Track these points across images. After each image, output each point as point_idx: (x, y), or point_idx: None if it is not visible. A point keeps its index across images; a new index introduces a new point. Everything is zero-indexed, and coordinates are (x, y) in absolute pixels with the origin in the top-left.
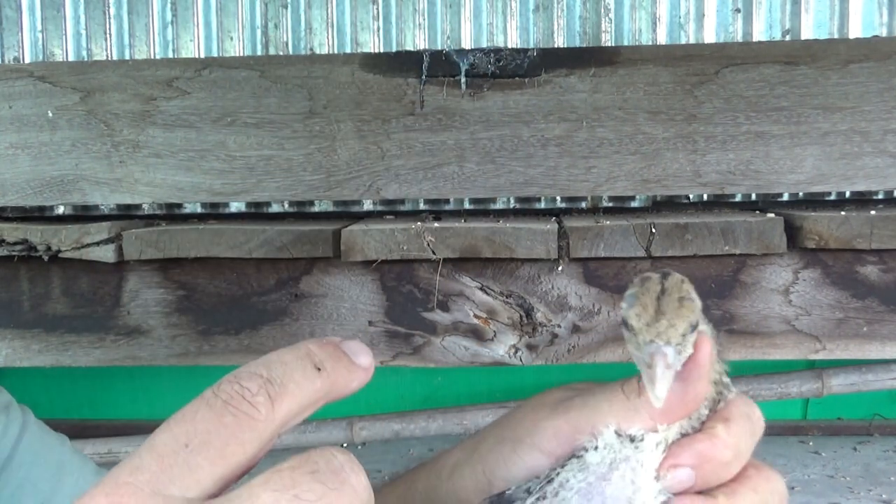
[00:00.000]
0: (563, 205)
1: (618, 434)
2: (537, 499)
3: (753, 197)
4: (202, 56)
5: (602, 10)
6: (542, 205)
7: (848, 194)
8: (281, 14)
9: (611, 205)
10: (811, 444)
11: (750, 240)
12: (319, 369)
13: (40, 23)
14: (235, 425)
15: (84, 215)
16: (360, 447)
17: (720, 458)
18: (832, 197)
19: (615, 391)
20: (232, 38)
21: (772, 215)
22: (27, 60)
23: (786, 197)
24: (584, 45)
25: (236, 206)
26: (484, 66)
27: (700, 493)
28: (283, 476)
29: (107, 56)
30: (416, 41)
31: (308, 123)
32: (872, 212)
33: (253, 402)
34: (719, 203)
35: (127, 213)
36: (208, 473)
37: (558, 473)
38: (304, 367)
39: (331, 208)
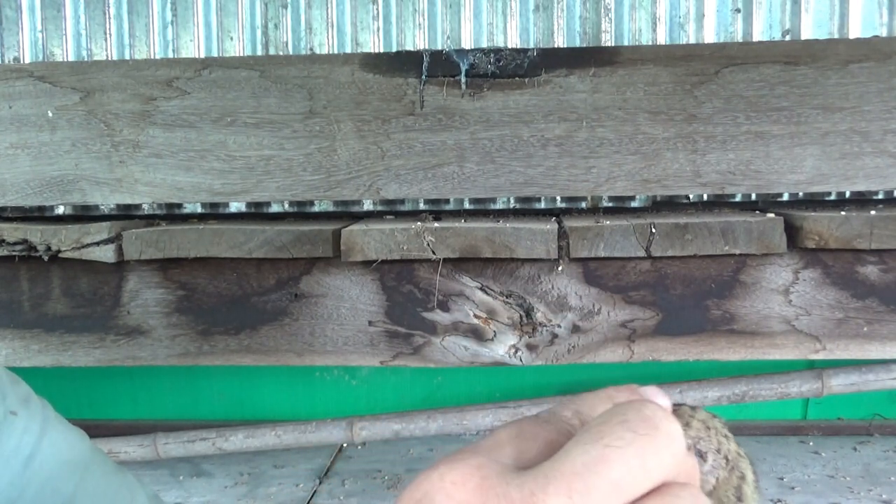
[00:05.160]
0: (563, 205)
1: None
2: None
3: (753, 197)
4: (202, 56)
5: (602, 10)
6: (542, 205)
7: (848, 194)
8: (281, 14)
9: (611, 205)
10: (811, 444)
11: (750, 240)
12: None
13: (40, 23)
14: (554, 431)
15: (84, 215)
16: (360, 447)
17: None
18: (832, 197)
19: None
20: (232, 38)
21: (772, 215)
22: (27, 60)
23: (786, 197)
24: (584, 45)
25: (236, 206)
26: (484, 66)
27: None
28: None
29: (107, 56)
30: (416, 41)
31: (308, 123)
32: (872, 212)
33: (569, 422)
34: (719, 203)
35: (127, 213)
36: (532, 456)
37: None
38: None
39: (331, 208)
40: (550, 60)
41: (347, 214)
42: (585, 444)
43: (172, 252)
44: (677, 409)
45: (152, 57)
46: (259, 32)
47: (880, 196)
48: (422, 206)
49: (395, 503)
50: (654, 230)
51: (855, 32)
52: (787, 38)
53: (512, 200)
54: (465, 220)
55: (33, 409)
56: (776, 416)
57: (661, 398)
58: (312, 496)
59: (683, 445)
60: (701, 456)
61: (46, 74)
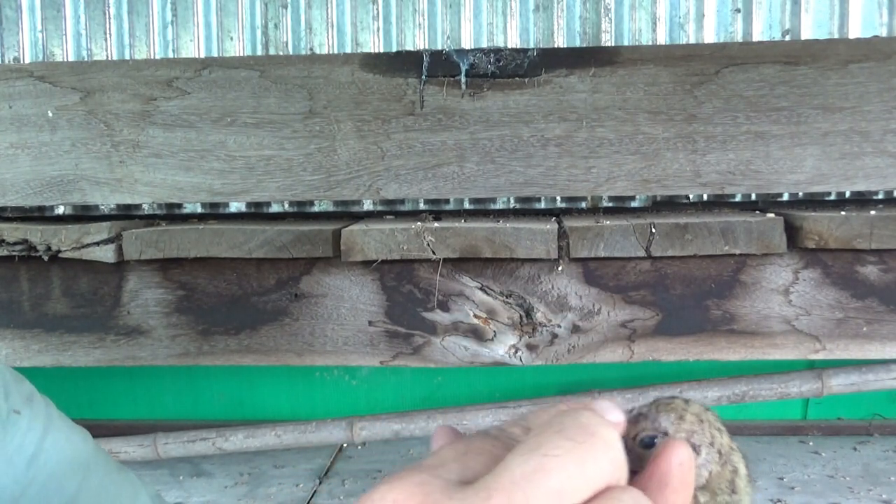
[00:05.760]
0: (563, 205)
1: None
2: None
3: (753, 197)
4: (202, 56)
5: (602, 10)
6: (542, 205)
7: (848, 194)
8: (281, 14)
9: (611, 205)
10: (811, 444)
11: (750, 240)
12: None
13: (40, 23)
14: (500, 446)
15: (84, 215)
16: (360, 447)
17: None
18: (832, 197)
19: None
20: (232, 38)
21: (772, 215)
22: (27, 60)
23: (786, 197)
24: (584, 45)
25: (236, 206)
26: (484, 66)
27: None
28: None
29: (107, 56)
30: (416, 41)
31: (308, 123)
32: (872, 212)
33: (516, 438)
34: (719, 203)
35: (127, 213)
36: (478, 470)
37: None
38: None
39: (331, 208)
40: (550, 60)
41: (347, 214)
42: (523, 454)
43: (172, 252)
44: (670, 402)
45: (152, 57)
46: (259, 32)
47: (880, 196)
48: (422, 206)
49: None
50: (654, 230)
51: (855, 32)
52: (787, 38)
53: (512, 200)
54: (465, 220)
55: (37, 408)
56: (776, 416)
57: (612, 413)
58: (312, 496)
59: (621, 450)
60: (694, 449)
61: (46, 74)
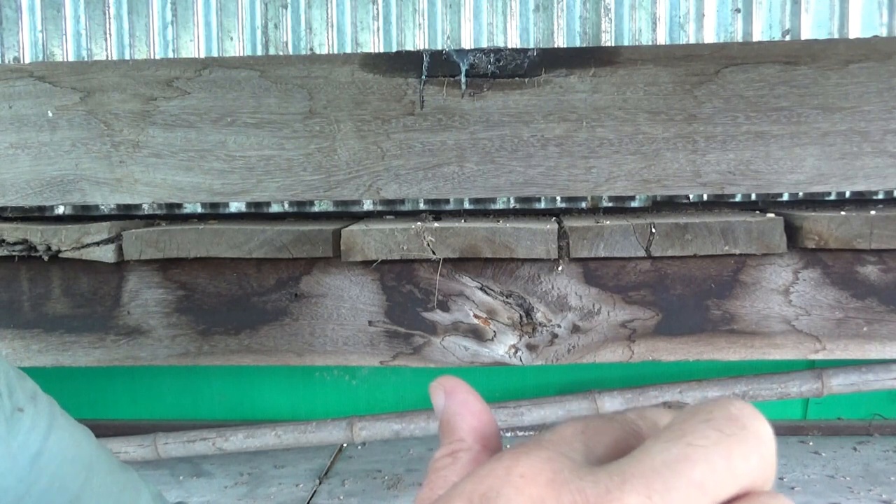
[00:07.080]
0: (563, 205)
1: None
2: None
3: (753, 197)
4: (202, 56)
5: (602, 10)
6: (542, 205)
7: (848, 194)
8: (281, 14)
9: (611, 205)
10: (811, 444)
11: (750, 240)
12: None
13: (40, 23)
14: (619, 429)
15: (84, 215)
16: (360, 447)
17: None
18: (832, 197)
19: None
20: (232, 38)
21: (772, 215)
22: (27, 60)
23: (786, 197)
24: (584, 45)
25: (236, 206)
26: (484, 66)
27: None
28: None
29: (107, 56)
30: (416, 41)
31: (308, 123)
32: (872, 212)
33: (634, 423)
34: (719, 203)
35: (127, 213)
36: (601, 452)
37: None
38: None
39: (331, 208)
40: (550, 60)
41: (347, 214)
42: (666, 441)
43: (172, 252)
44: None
45: (152, 57)
46: (259, 32)
47: (880, 196)
48: (422, 206)
49: (452, 497)
50: (654, 230)
51: (855, 32)
52: (787, 38)
53: (512, 200)
54: (465, 220)
55: (40, 407)
56: (776, 416)
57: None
58: (312, 496)
59: (774, 448)
60: None
61: (46, 74)
